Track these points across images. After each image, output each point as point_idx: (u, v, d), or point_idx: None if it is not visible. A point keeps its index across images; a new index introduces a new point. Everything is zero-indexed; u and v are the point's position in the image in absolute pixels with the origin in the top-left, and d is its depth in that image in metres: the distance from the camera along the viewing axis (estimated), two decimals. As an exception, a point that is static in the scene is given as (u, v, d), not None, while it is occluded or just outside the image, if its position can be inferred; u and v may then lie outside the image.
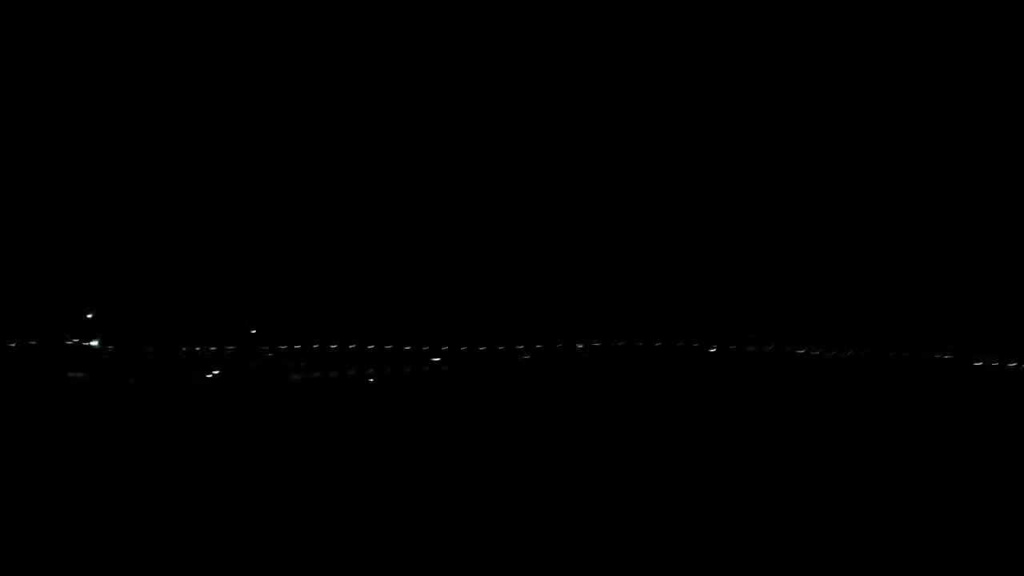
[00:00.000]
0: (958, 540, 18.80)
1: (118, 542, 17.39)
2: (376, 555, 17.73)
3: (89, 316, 34.07)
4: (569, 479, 23.88)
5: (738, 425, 37.49)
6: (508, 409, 38.04)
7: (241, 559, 17.08)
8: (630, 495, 22.32)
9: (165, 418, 35.52)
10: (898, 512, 20.88)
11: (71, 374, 35.05)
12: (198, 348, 39.96)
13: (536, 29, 35.21)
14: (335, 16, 32.77)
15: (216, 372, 39.98)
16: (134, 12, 29.97)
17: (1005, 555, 17.72)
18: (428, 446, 28.55)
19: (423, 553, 17.61)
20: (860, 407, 40.08)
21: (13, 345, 34.69)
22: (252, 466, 25.80)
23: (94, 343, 35.16)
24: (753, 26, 32.49)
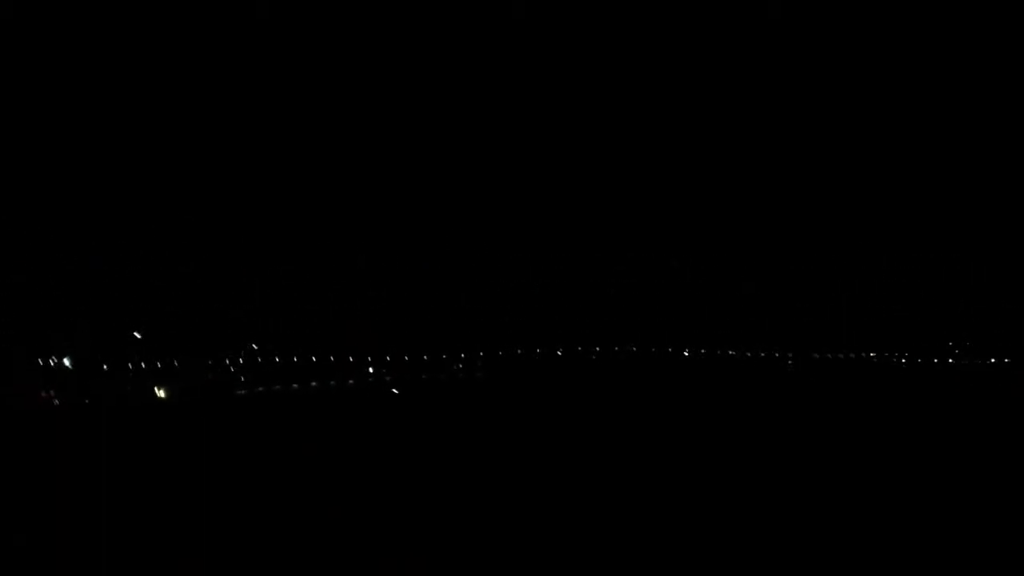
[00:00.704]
0: (952, 536, 18.72)
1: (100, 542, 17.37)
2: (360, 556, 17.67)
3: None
4: (566, 476, 23.72)
5: (736, 422, 36.71)
6: (509, 406, 37.20)
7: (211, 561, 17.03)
8: (628, 492, 22.21)
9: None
10: (895, 509, 20.79)
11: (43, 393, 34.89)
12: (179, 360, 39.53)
13: (536, 30, 34.69)
14: (335, 18, 32.37)
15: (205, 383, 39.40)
16: (134, 13, 29.68)
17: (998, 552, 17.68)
18: (429, 446, 28.29)
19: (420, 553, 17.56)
20: (857, 405, 39.19)
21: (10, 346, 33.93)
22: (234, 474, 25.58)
23: (65, 361, 34.97)
24: (753, 27, 32.10)
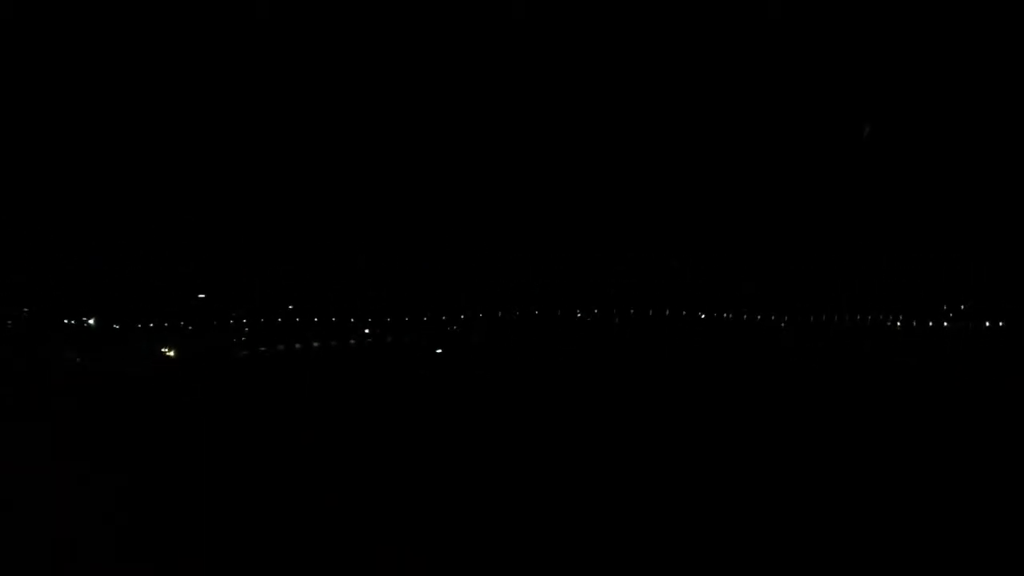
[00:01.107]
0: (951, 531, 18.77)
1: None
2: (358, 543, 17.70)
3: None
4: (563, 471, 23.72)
5: (733, 417, 36.69)
6: (505, 410, 37.16)
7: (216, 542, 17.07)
8: (626, 489, 22.25)
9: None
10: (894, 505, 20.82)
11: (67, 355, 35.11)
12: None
13: (536, 30, 34.66)
14: (335, 18, 32.33)
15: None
16: (134, 13, 29.63)
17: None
18: (430, 439, 28.29)
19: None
20: (856, 403, 38.86)
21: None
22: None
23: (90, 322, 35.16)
24: (753, 27, 32.08)
